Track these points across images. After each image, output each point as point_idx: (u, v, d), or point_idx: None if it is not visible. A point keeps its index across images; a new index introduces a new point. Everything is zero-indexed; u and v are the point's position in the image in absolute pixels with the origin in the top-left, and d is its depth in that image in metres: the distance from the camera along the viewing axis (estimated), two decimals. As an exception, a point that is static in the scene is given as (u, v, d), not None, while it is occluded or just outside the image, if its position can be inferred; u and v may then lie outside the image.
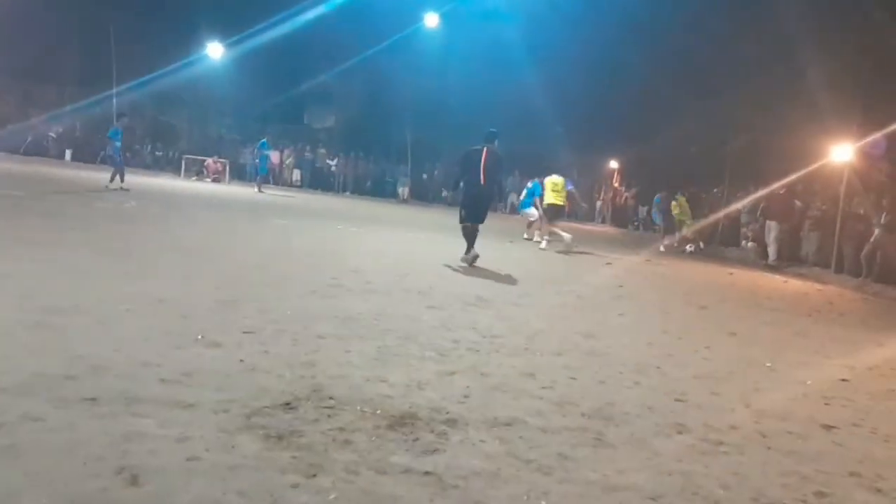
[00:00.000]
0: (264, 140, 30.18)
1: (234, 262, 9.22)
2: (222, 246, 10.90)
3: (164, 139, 41.30)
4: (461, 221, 11.83)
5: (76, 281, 6.67)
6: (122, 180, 19.32)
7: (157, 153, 40.28)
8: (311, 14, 33.44)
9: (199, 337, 5.09)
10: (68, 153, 38.09)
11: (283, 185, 36.69)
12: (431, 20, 35.29)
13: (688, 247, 22.58)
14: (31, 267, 7.13)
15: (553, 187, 17.06)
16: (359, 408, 4.01)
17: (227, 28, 36.49)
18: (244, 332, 5.38)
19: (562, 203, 17.32)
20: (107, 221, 12.38)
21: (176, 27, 38.62)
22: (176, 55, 35.91)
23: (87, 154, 36.68)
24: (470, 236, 11.60)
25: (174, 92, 38.68)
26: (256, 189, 28.74)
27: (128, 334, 4.97)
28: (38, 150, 36.80)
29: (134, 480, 2.88)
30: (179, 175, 34.94)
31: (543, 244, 16.81)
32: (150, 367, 4.29)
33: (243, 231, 13.66)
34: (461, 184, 12.09)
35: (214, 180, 34.28)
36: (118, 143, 20.14)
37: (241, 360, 4.65)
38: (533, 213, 18.27)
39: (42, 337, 4.67)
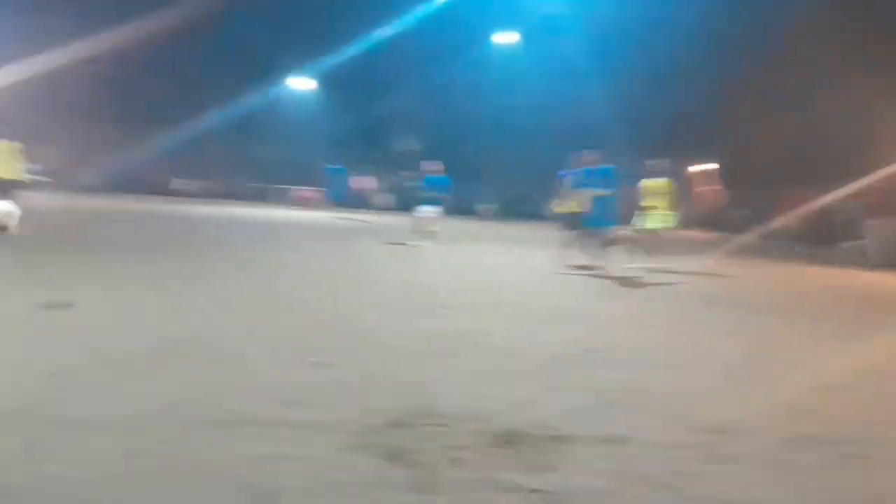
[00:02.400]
0: (338, 166, 30.65)
1: (337, 284, 9.47)
2: (328, 271, 11.21)
3: (255, 170, 42.62)
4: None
5: (189, 315, 6.96)
6: None
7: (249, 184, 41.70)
8: (389, 41, 34.44)
9: (312, 360, 5.23)
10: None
11: (374, 209, 37.38)
12: (504, 38, 35.76)
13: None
14: (153, 301, 7.47)
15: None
16: (468, 425, 4.05)
17: (309, 60, 37.77)
18: (353, 353, 5.53)
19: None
20: (206, 250, 12.78)
21: (258, 61, 40.06)
22: (261, 89, 37.33)
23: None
24: None
25: (261, 122, 40.06)
26: (340, 216, 29.15)
27: (248, 359, 5.21)
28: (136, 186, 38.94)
29: (261, 501, 3.00)
30: (278, 204, 35.98)
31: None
32: (270, 390, 4.46)
33: (344, 254, 13.95)
34: None
35: (309, 208, 35.10)
36: None
37: (352, 381, 4.77)
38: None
39: (164, 364, 4.90)
